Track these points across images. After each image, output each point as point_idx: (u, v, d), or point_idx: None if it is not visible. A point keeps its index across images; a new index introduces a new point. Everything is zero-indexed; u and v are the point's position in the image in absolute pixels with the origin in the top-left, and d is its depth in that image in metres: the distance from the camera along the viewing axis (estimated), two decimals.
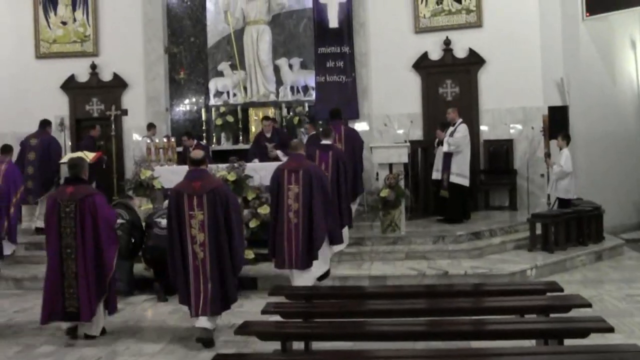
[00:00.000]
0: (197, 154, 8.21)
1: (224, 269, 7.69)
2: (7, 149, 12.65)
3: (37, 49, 16.96)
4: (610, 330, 5.57)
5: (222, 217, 7.68)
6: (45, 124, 14.00)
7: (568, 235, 12.03)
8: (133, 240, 10.21)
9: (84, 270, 7.80)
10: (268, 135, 14.26)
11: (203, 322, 7.70)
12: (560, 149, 12.68)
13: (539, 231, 11.87)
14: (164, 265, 9.12)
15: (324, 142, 10.71)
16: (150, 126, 15.19)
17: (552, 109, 13.84)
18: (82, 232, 7.80)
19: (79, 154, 13.31)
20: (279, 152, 13.76)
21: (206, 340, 7.65)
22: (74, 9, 16.94)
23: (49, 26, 16.98)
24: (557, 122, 13.51)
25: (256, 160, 13.39)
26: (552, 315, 6.21)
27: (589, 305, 6.36)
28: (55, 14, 16.99)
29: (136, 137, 16.34)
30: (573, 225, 12.17)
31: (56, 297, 7.87)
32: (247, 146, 15.86)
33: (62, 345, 7.89)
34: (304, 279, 9.03)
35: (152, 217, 10.35)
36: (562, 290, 6.92)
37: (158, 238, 9.87)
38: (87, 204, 7.84)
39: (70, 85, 16.85)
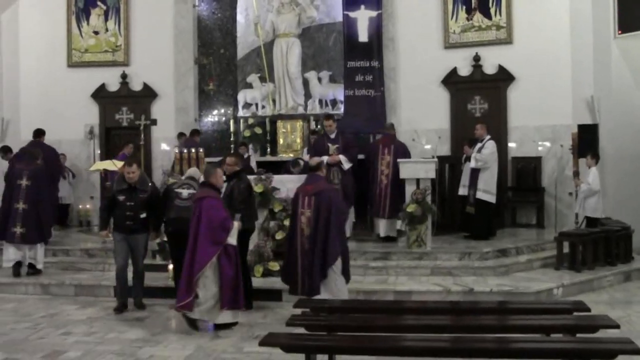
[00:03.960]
0: (314, 161, 9.83)
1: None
2: None
3: (69, 58, 17.20)
4: (638, 352, 5.50)
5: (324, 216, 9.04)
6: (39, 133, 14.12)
7: (596, 254, 11.90)
8: None
9: (187, 261, 8.65)
10: (332, 136, 13.02)
11: None
12: (589, 167, 12.60)
13: (566, 250, 11.77)
14: (185, 238, 9.25)
15: (389, 133, 13.41)
16: (181, 135, 15.27)
17: (581, 127, 13.75)
18: (197, 229, 8.59)
19: (107, 162, 13.46)
20: (341, 157, 12.68)
21: None
22: (106, 19, 17.16)
23: (81, 36, 17.20)
24: (586, 141, 13.42)
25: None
26: (578, 335, 6.15)
27: (617, 326, 6.28)
28: (88, 23, 17.22)
29: (164, 146, 16.52)
30: (601, 245, 12.03)
31: (182, 286, 8.75)
32: (274, 158, 15.92)
33: (89, 351, 7.93)
34: (385, 229, 12.69)
35: (173, 187, 10.18)
36: (589, 310, 6.85)
37: (179, 210, 9.80)
38: (197, 206, 8.76)
39: (100, 94, 17.05)
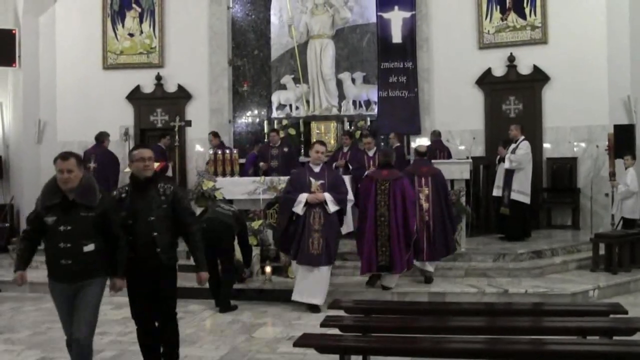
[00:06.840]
0: (422, 147, 11.32)
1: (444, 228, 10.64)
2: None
3: (104, 60, 17.35)
4: None
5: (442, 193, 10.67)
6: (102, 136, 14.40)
7: (633, 256, 11.76)
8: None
9: (396, 233, 9.85)
10: (316, 169, 10.12)
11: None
12: (626, 168, 12.48)
13: (602, 251, 11.63)
14: (219, 238, 9.45)
15: (438, 139, 14.73)
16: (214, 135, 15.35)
17: (618, 128, 13.60)
18: (394, 205, 9.86)
19: None
20: (326, 196, 9.71)
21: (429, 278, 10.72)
22: (141, 21, 17.28)
23: (116, 38, 17.35)
24: (623, 141, 13.27)
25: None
26: (615, 338, 6.08)
27: None
28: (123, 26, 17.36)
29: (198, 147, 16.64)
30: (638, 247, 11.89)
31: (372, 254, 9.95)
32: (309, 159, 15.89)
33: (124, 351, 8.00)
34: None
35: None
36: (626, 312, 6.74)
37: (215, 212, 10.14)
38: (398, 184, 9.95)
39: (135, 96, 17.19)
